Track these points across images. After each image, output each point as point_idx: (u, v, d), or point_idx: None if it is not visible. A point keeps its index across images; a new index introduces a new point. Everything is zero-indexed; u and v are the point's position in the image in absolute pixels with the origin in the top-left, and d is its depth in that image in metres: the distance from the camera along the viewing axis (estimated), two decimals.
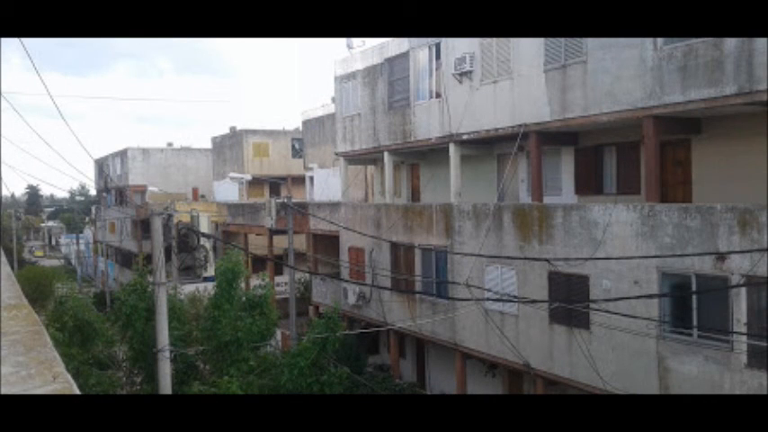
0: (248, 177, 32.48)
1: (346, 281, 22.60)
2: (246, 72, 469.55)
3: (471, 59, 17.10)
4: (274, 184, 38.93)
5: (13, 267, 15.28)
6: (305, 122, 35.23)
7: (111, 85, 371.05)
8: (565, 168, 17.41)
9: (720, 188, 13.47)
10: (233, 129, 43.98)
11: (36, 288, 35.36)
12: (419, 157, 22.84)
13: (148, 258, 24.90)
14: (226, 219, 35.01)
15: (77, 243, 65.78)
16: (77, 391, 3.12)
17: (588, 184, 16.79)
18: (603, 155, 16.48)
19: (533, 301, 14.56)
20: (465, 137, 17.77)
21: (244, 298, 17.65)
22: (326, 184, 30.70)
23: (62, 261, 76.85)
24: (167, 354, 10.68)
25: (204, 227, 28.89)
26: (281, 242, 28.62)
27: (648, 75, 12.69)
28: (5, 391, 3.08)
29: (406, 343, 22.79)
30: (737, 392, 11.23)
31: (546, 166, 17.01)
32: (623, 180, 15.97)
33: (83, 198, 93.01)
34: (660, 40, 12.44)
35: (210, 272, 26.85)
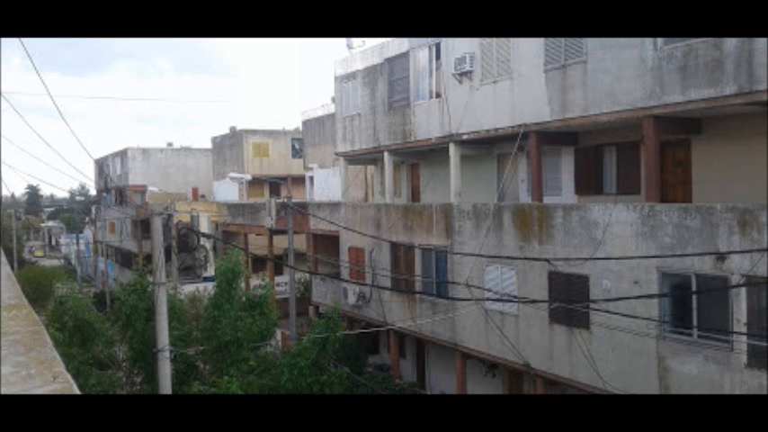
0: (248, 177, 32.45)
1: (346, 281, 22.60)
2: (246, 72, 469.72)
3: (471, 59, 17.10)
4: (274, 184, 38.93)
5: (13, 267, 15.28)
6: (305, 122, 35.23)
7: (111, 85, 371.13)
8: (565, 168, 17.41)
9: (720, 188, 13.47)
10: (233, 129, 43.98)
11: (36, 288, 35.36)
12: (419, 157, 22.85)
13: (148, 258, 24.91)
14: (226, 219, 35.01)
15: (77, 243, 65.77)
16: (77, 391, 3.12)
17: (588, 184, 16.79)
18: (603, 155, 16.48)
19: (533, 301, 14.56)
20: (465, 137, 17.78)
21: (244, 298, 17.66)
22: (326, 184, 30.70)
23: (62, 261, 76.83)
24: (167, 354, 10.68)
25: (204, 227, 28.88)
26: (281, 242, 28.63)
27: (648, 75, 12.69)
28: (5, 391, 3.08)
29: (406, 343, 22.78)
30: (737, 392, 11.23)
31: (546, 166, 17.01)
32: (623, 180, 15.97)
33: (83, 198, 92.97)
34: (660, 40, 12.44)
35: (210, 272, 26.84)
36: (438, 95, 18.76)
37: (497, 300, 16.05)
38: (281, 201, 23.19)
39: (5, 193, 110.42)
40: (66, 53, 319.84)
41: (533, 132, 15.62)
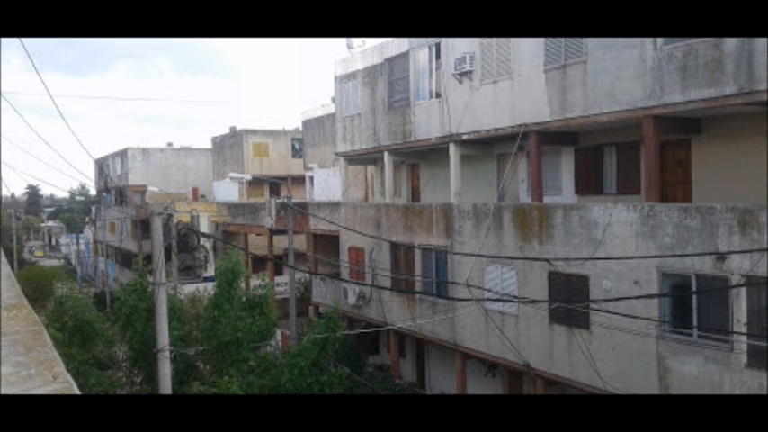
0: (248, 177, 32.45)
1: (346, 281, 22.60)
2: (246, 72, 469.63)
3: (471, 59, 17.10)
4: (274, 184, 38.92)
5: (13, 267, 15.27)
6: (305, 122, 35.23)
7: (111, 85, 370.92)
8: (565, 168, 17.41)
9: (720, 188, 13.47)
10: (233, 129, 43.98)
11: (36, 288, 35.36)
12: (419, 157, 22.84)
13: (148, 258, 24.92)
14: (226, 219, 35.00)
15: (77, 243, 65.76)
16: (77, 391, 3.12)
17: (588, 184, 16.79)
18: (603, 155, 16.48)
19: (533, 301, 14.55)
20: (465, 137, 17.77)
21: (244, 298, 17.66)
22: (326, 184, 30.70)
23: (62, 261, 76.83)
24: (167, 354, 10.68)
25: (204, 227, 28.88)
26: (281, 242, 28.62)
27: (648, 75, 12.69)
28: (5, 391, 3.08)
29: (406, 343, 22.78)
30: (737, 392, 11.23)
31: (546, 166, 17.01)
32: (623, 180, 15.97)
33: (83, 198, 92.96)
34: (660, 40, 12.44)
35: (210, 272, 26.85)
36: (438, 95, 18.76)
37: (497, 300, 16.05)
38: (281, 201, 23.19)
39: (5, 193, 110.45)
40: (66, 53, 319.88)
41: (533, 132, 15.62)
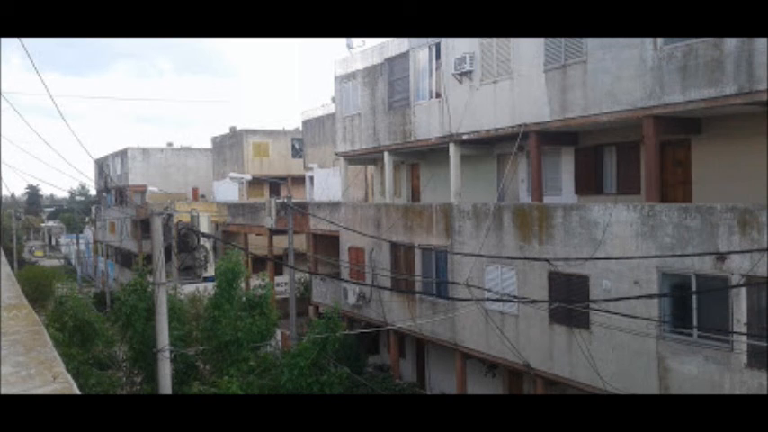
0: (248, 177, 32.44)
1: (346, 281, 22.60)
2: (246, 72, 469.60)
3: (471, 59, 17.10)
4: (274, 184, 38.91)
5: (13, 267, 15.27)
6: (305, 122, 35.23)
7: (111, 85, 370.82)
8: (565, 168, 17.41)
9: (720, 188, 13.47)
10: (233, 129, 43.97)
11: (36, 288, 35.37)
12: (419, 157, 22.84)
13: (148, 258, 24.91)
14: (226, 219, 34.99)
15: (77, 243, 65.77)
16: (77, 391, 3.12)
17: (588, 184, 16.79)
18: (603, 155, 16.48)
19: (533, 301, 14.55)
20: (465, 137, 17.78)
21: (244, 298, 17.66)
22: (326, 184, 30.70)
23: (62, 261, 76.83)
24: (167, 354, 10.68)
25: (204, 227, 28.87)
26: (281, 242, 28.62)
27: (648, 75, 12.69)
28: (5, 391, 3.08)
29: (406, 343, 22.78)
30: (737, 392, 11.23)
31: (546, 166, 17.01)
32: (623, 180, 15.97)
33: (83, 198, 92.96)
34: (660, 40, 12.44)
35: (210, 272, 26.84)
36: (438, 95, 18.76)
37: (497, 300, 16.05)
38: (281, 201, 23.19)
39: (5, 193, 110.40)
40: (66, 53, 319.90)
41: (533, 132, 15.62)
